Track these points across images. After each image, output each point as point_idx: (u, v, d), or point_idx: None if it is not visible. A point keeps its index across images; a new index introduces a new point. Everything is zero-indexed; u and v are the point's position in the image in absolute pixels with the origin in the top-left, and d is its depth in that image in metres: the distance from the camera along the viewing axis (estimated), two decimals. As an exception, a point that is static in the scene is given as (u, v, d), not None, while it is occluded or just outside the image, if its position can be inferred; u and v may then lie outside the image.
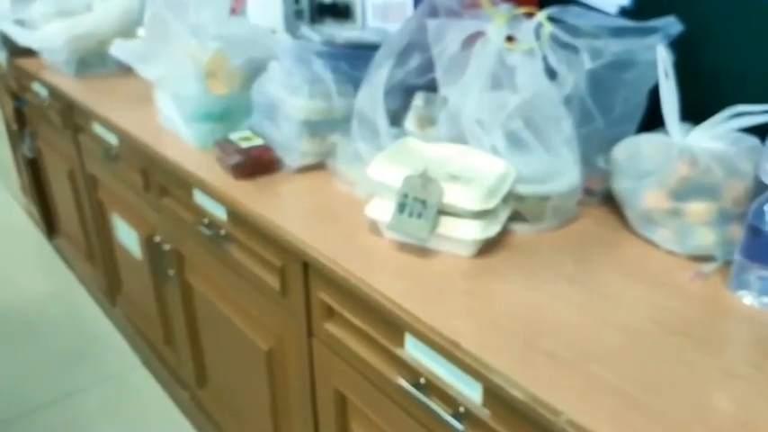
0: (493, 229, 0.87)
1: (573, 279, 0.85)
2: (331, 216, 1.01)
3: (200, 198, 1.23)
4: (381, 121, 1.03)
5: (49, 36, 1.90)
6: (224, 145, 1.18)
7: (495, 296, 0.80)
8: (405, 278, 0.84)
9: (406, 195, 0.86)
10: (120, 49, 1.42)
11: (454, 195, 0.84)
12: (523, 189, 0.93)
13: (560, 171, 0.96)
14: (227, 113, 1.29)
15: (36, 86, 2.07)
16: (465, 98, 0.99)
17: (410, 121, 1.11)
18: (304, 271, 0.98)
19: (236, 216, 1.11)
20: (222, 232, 1.18)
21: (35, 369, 2.05)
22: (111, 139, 1.60)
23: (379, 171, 0.90)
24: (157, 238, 1.50)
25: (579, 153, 0.97)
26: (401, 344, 0.83)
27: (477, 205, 0.84)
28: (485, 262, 0.88)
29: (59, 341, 2.18)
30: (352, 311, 0.91)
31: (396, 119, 1.13)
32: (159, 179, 1.40)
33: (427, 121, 1.10)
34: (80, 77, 1.93)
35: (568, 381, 0.66)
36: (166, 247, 1.46)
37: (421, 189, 0.85)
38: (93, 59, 1.97)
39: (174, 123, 1.36)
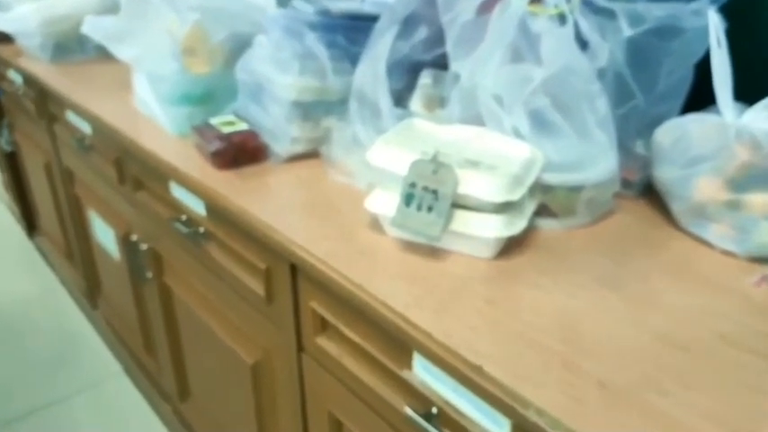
0: (518, 226, 0.73)
1: (615, 284, 0.70)
2: (325, 211, 0.86)
3: (176, 191, 1.08)
4: (384, 99, 0.89)
5: (22, 18, 1.75)
6: (203, 130, 1.03)
7: (523, 305, 0.66)
8: (412, 284, 0.69)
9: (413, 185, 0.72)
10: (92, 27, 1.27)
11: (472, 184, 0.70)
12: (552, 178, 0.79)
13: (594, 157, 0.81)
14: (209, 96, 1.14)
15: (11, 74, 1.92)
16: (481, 73, 0.84)
17: (416, 102, 0.97)
18: (292, 275, 0.83)
19: (216, 211, 0.96)
20: (201, 230, 1.04)
21: (11, 378, 1.91)
22: (85, 127, 1.45)
23: (381, 156, 0.75)
24: (134, 237, 1.35)
25: (616, 136, 0.82)
26: (408, 365, 0.68)
27: (501, 196, 0.69)
28: (508, 264, 0.73)
29: (38, 347, 2.04)
30: (349, 324, 0.76)
31: (400, 100, 0.98)
32: (134, 171, 1.25)
33: (436, 102, 0.96)
34: (56, 63, 1.78)
35: (627, 418, 0.51)
36: (143, 246, 1.31)
37: (432, 177, 0.71)
38: (71, 44, 1.82)
39: (150, 108, 1.21)
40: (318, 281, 0.75)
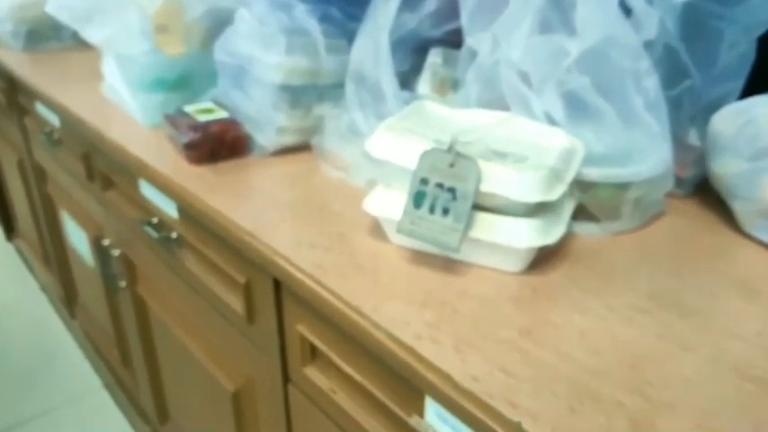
0: (555, 233, 0.58)
1: (677, 305, 0.56)
2: (316, 213, 0.71)
3: (146, 190, 0.93)
4: (387, 78, 0.74)
5: (-11, 1, 1.61)
6: (176, 120, 0.89)
7: (569, 336, 0.51)
8: (424, 308, 0.55)
9: (424, 181, 0.57)
10: (57, 7, 1.12)
11: (499, 181, 0.55)
12: (593, 174, 0.64)
13: (643, 148, 0.66)
14: (184, 81, 1.00)
15: (-19, 64, 1.78)
16: (503, 46, 0.70)
17: (424, 85, 0.82)
18: (275, 291, 0.69)
19: (189, 214, 0.82)
20: (173, 235, 0.89)
21: (-19, 393, 1.77)
22: (54, 120, 1.30)
23: (384, 145, 0.60)
24: (106, 241, 1.20)
25: (669, 123, 0.68)
26: (419, 410, 0.54)
27: (536, 195, 0.55)
28: (542, 281, 0.59)
29: (15, 358, 1.90)
30: (345, 355, 0.62)
31: (405, 85, 0.84)
32: (102, 167, 1.11)
33: (448, 84, 0.81)
34: (29, 51, 1.63)
35: None
36: (115, 252, 1.17)
37: (448, 171, 0.56)
38: (45, 31, 1.67)
39: (120, 96, 1.07)
40: (306, 300, 0.60)
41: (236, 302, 0.77)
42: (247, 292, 0.74)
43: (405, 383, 0.53)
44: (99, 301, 1.43)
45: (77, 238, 1.43)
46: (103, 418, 1.65)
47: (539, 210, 0.57)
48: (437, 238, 0.57)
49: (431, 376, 0.47)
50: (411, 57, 0.89)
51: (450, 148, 0.56)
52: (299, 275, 0.60)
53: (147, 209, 0.95)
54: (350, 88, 0.78)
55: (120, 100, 1.07)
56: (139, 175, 0.92)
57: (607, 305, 0.56)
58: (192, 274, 0.87)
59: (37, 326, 2.03)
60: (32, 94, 1.35)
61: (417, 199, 0.57)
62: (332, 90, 0.87)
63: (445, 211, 0.57)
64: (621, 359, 0.49)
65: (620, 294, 0.57)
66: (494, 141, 0.60)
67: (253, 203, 0.74)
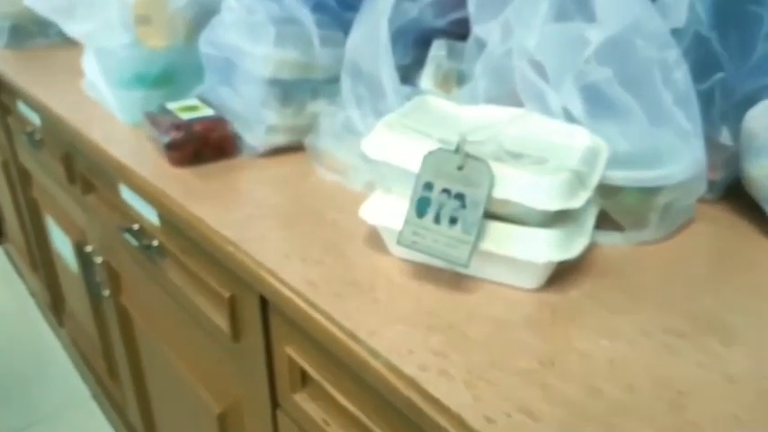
0: (577, 245, 0.51)
1: (722, 329, 0.48)
2: (307, 222, 0.64)
3: (126, 194, 0.86)
4: (387, 71, 0.67)
5: (-30, -4, 1.54)
6: (157, 118, 0.81)
7: (599, 368, 0.44)
8: (429, 333, 0.48)
9: (429, 186, 0.50)
10: (35, -2, 1.06)
11: (515, 185, 0.48)
12: (618, 177, 0.57)
13: (673, 148, 0.59)
14: (168, 76, 0.92)
15: (-36, 62, 1.70)
16: (516, 35, 0.63)
17: (427, 80, 0.75)
18: (262, 308, 0.62)
19: (169, 220, 0.75)
20: (154, 243, 0.82)
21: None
22: (35, 119, 1.23)
23: (383, 145, 0.53)
24: (89, 248, 1.13)
25: (701, 120, 0.61)
26: (424, 451, 0.46)
27: (558, 202, 0.48)
28: (562, 299, 0.52)
29: (3, 366, 1.83)
30: (338, 384, 0.55)
31: (406, 80, 0.77)
32: (82, 168, 1.04)
33: (452, 79, 0.74)
34: (14, 49, 1.56)
35: None
36: (98, 259, 1.10)
37: (456, 175, 0.49)
38: (31, 27, 1.60)
39: (100, 93, 1.00)
40: (295, 321, 0.53)
41: (220, 318, 0.70)
42: (232, 308, 0.67)
43: (407, 421, 0.46)
44: (85, 309, 1.36)
45: (62, 243, 1.36)
46: (91, 430, 1.58)
47: (558, 219, 0.50)
48: (444, 251, 0.50)
49: (438, 417, 0.40)
50: (413, 49, 0.82)
51: (458, 149, 0.49)
52: (285, 292, 0.53)
53: (127, 214, 0.88)
54: (346, 83, 0.71)
55: (101, 98, 1.00)
56: (118, 178, 0.85)
57: (639, 328, 0.49)
58: (175, 285, 0.80)
59: (25, 332, 1.96)
60: (14, 93, 1.28)
61: (421, 206, 0.50)
62: (326, 86, 0.80)
63: (452, 221, 0.50)
64: (659, 395, 0.42)
65: (652, 315, 0.50)
66: (507, 141, 0.53)
67: (238, 210, 0.67)
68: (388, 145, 0.52)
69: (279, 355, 0.62)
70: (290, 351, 0.58)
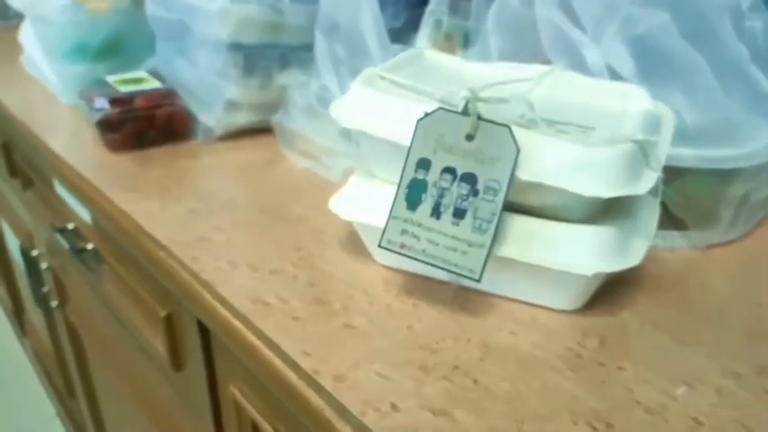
0: (637, 249, 0.36)
1: None
2: (268, 220, 0.49)
3: (60, 189, 0.71)
4: (371, 24, 0.52)
5: None
6: (92, 93, 0.66)
7: (677, 431, 0.29)
8: (422, 374, 0.32)
9: (425, 163, 0.35)
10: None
11: (553, 162, 0.33)
12: (681, 157, 0.42)
13: (752, 122, 0.44)
14: (115, 46, 0.77)
15: None
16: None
17: (424, 41, 0.60)
18: (202, 333, 0.47)
19: (101, 220, 0.59)
20: (89, 246, 0.67)
21: None
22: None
23: (359, 106, 0.38)
24: (35, 251, 0.98)
25: None
26: None
27: (617, 186, 0.32)
28: (610, 325, 0.37)
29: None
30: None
31: (399, 40, 0.62)
32: (20, 159, 0.89)
33: (457, 40, 0.59)
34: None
35: None
36: (44, 265, 0.94)
37: (464, 148, 0.34)
38: (-11, 8, 1.46)
39: (39, 69, 0.85)
40: (240, 354, 0.38)
41: (157, 341, 0.55)
42: (169, 330, 0.52)
43: None
44: (40, 320, 1.21)
45: (13, 245, 1.21)
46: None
47: (610, 211, 0.35)
48: (446, 258, 0.35)
49: None
50: (405, 9, 0.67)
51: (466, 109, 0.34)
52: (223, 313, 0.38)
53: (61, 212, 0.73)
54: (320, 43, 0.56)
55: (40, 74, 0.85)
56: (48, 168, 0.70)
57: (723, 366, 0.34)
58: (112, 298, 0.65)
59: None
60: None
61: (413, 194, 0.35)
62: (299, 52, 0.65)
63: (458, 214, 0.34)
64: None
65: (737, 346, 0.35)
66: (535, 103, 0.38)
67: (181, 206, 0.52)
68: (366, 108, 0.37)
69: (224, 394, 0.47)
70: (236, 392, 0.43)
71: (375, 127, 0.36)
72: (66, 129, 0.72)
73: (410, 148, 0.35)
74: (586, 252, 0.34)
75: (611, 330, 0.36)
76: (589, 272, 0.33)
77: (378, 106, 0.37)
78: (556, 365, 0.33)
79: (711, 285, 0.42)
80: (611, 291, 0.39)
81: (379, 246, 0.35)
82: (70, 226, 0.71)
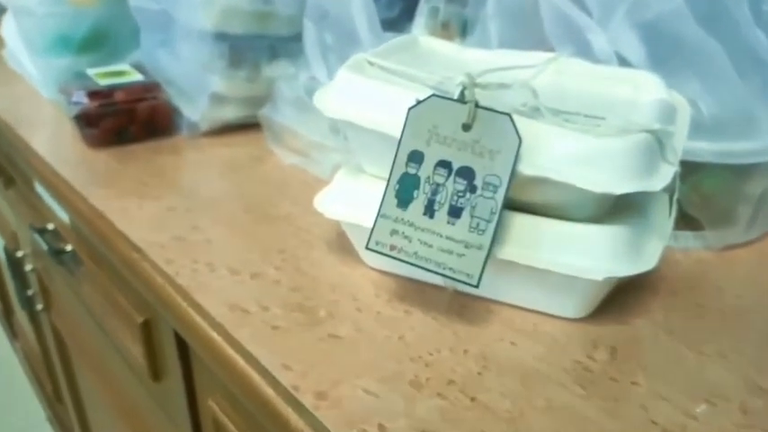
0: (652, 251, 0.33)
1: None
2: (252, 219, 0.46)
3: (40, 187, 0.68)
4: (362, 9, 0.49)
5: None
6: (71, 87, 0.63)
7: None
8: (414, 391, 0.29)
9: (417, 156, 0.32)
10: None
11: (559, 154, 0.30)
12: (697, 150, 0.39)
13: (771, 111, 0.41)
14: (99, 39, 0.74)
15: None
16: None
17: (421, 29, 0.57)
18: (180, 343, 0.43)
19: (76, 220, 0.56)
20: (68, 248, 0.64)
21: None
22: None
23: (346, 95, 0.34)
24: (20, 252, 0.95)
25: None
26: None
27: (632, 180, 0.29)
28: (622, 334, 0.34)
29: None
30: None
31: (394, 31, 0.59)
32: (1, 156, 0.86)
33: (455, 28, 0.56)
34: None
35: None
36: (29, 266, 0.91)
37: (460, 139, 0.31)
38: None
39: (21, 63, 0.81)
40: (214, 366, 0.35)
41: (136, 349, 0.52)
42: (147, 337, 0.48)
43: None
44: (27, 323, 1.18)
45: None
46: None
47: (621, 209, 0.32)
48: (440, 261, 0.31)
49: None
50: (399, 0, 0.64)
51: (462, 96, 0.30)
52: (197, 320, 0.35)
53: (40, 212, 0.70)
54: (309, 30, 0.53)
55: (22, 69, 0.81)
56: (26, 167, 0.67)
57: (748, 380, 0.30)
58: (91, 301, 0.62)
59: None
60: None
61: (404, 190, 0.32)
62: (290, 43, 0.62)
63: (454, 212, 0.31)
64: None
65: (763, 361, 0.32)
66: (539, 91, 0.35)
67: (160, 204, 0.48)
68: (353, 96, 0.34)
69: (203, 408, 0.43)
70: (215, 407, 0.40)
71: (362, 117, 0.33)
72: (46, 125, 0.69)
73: (400, 139, 0.32)
74: (596, 254, 0.31)
75: (622, 340, 0.33)
76: (599, 276, 0.30)
77: (365, 94, 0.33)
78: (562, 381, 0.30)
79: (729, 289, 0.38)
80: (620, 296, 0.36)
81: (367, 248, 0.32)
82: (50, 226, 0.68)
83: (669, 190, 0.33)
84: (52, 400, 1.28)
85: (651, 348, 0.33)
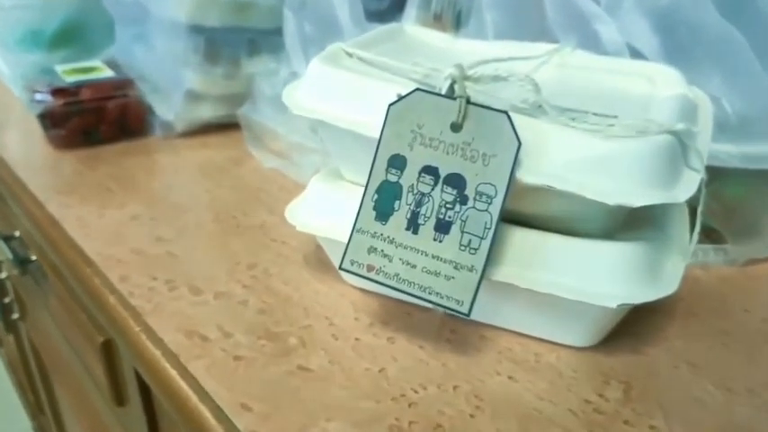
0: (672, 272, 0.28)
1: None
2: (222, 230, 0.42)
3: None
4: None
5: None
6: (36, 84, 0.58)
7: None
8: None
9: (398, 161, 0.27)
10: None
11: (566, 159, 0.25)
12: (719, 153, 0.34)
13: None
14: (71, 33, 0.70)
15: None
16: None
17: (411, 21, 0.52)
18: (138, 375, 0.39)
19: (33, 230, 0.52)
20: (33, 258, 0.59)
21: None
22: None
23: (318, 90, 0.30)
24: (-5, 260, 0.90)
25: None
26: None
27: (652, 191, 0.25)
28: (636, 366, 0.29)
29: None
30: None
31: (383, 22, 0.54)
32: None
33: (447, 20, 0.52)
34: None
35: None
36: (3, 274, 0.87)
37: (449, 141, 0.26)
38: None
39: (-8, 59, 0.77)
40: (166, 402, 0.30)
41: (99, 370, 0.47)
42: (108, 359, 0.44)
43: None
44: (4, 333, 1.14)
45: (-21, 252, 1.13)
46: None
47: (633, 222, 0.28)
48: (425, 285, 0.27)
49: None
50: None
51: (451, 90, 0.26)
52: (150, 349, 0.30)
53: (8, 218, 0.66)
54: (289, 21, 0.48)
55: (-7, 65, 0.77)
56: (-8, 169, 0.62)
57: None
58: (57, 315, 0.57)
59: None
60: None
61: (384, 201, 0.27)
62: (272, 37, 0.57)
63: (442, 227, 0.27)
64: None
65: (807, 400, 0.28)
66: (541, 85, 0.30)
67: (122, 212, 0.44)
68: (327, 91, 0.29)
69: (165, 442, 0.39)
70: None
71: (336, 115, 0.28)
72: (14, 125, 0.64)
73: (379, 141, 0.27)
74: (608, 276, 0.26)
75: (636, 374, 0.29)
76: (612, 303, 0.26)
77: (340, 89, 0.29)
78: (569, 425, 0.26)
79: (756, 312, 0.34)
80: (633, 319, 0.31)
81: (340, 268, 0.28)
82: (17, 233, 0.64)
83: (692, 200, 0.28)
84: (35, 411, 1.23)
85: (670, 384, 0.28)
